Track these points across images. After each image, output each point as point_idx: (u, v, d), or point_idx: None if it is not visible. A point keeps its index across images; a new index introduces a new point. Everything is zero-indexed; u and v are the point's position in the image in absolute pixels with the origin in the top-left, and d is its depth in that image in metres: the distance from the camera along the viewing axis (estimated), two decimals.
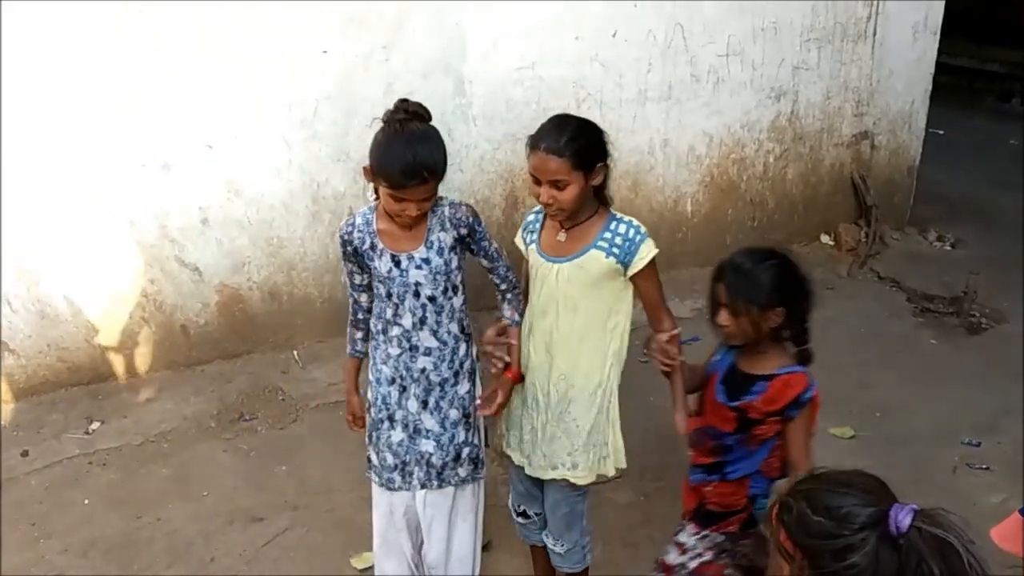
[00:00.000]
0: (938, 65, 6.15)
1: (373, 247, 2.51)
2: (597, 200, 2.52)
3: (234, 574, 3.31)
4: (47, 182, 4.05)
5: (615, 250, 2.44)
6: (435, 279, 2.50)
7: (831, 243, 6.10)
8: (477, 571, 2.91)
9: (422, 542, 2.82)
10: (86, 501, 3.69)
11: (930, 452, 3.94)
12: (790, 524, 1.50)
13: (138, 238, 4.28)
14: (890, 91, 5.99)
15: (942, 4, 5.91)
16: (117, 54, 3.98)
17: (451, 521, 2.77)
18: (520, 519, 2.90)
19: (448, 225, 2.51)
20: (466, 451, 2.69)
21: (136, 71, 4.03)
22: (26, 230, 4.08)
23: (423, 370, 2.60)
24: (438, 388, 2.62)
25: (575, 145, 2.35)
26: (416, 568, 2.84)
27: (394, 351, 2.60)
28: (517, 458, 2.73)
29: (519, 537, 3.00)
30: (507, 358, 2.61)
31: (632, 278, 2.49)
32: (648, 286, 2.52)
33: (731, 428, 2.41)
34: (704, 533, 2.56)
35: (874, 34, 5.72)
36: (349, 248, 2.55)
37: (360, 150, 2.59)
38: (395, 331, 2.57)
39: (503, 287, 2.69)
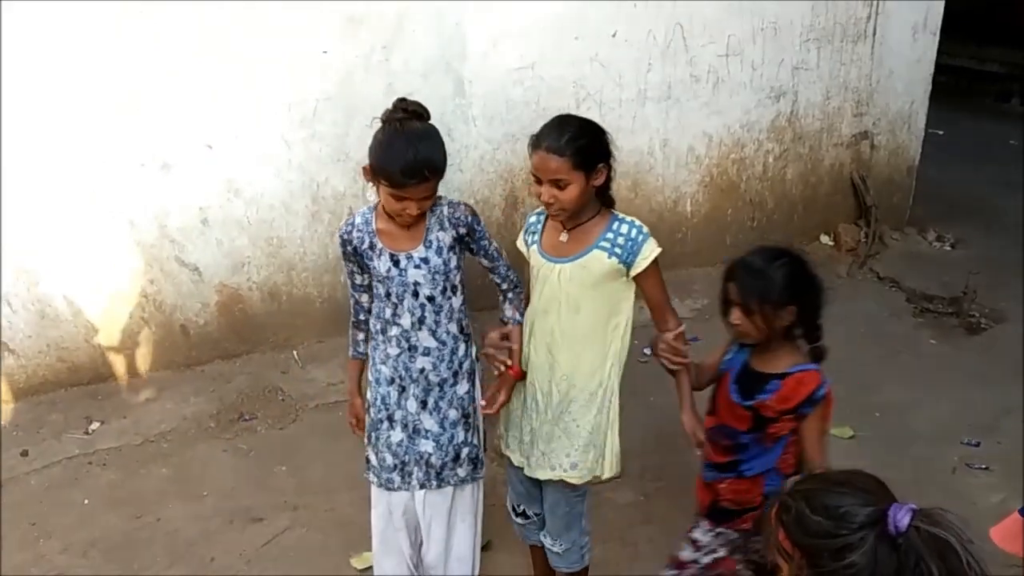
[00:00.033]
0: (938, 65, 6.14)
1: (372, 247, 2.52)
2: (601, 201, 2.52)
3: (234, 574, 3.32)
4: (47, 182, 4.05)
5: (617, 250, 2.45)
6: (434, 279, 2.51)
7: (831, 243, 6.09)
8: (476, 571, 2.91)
9: (421, 542, 2.82)
10: (86, 501, 3.69)
11: (930, 452, 3.95)
12: (789, 523, 1.51)
13: (138, 238, 4.29)
14: (890, 91, 5.99)
15: (942, 4, 5.91)
16: (117, 54, 3.98)
17: (450, 521, 2.77)
18: (519, 519, 2.90)
19: (447, 224, 2.52)
20: (465, 451, 2.69)
21: (136, 71, 4.03)
22: (26, 230, 4.08)
23: (422, 370, 2.60)
24: (437, 388, 2.62)
25: (576, 144, 2.35)
26: (415, 568, 2.84)
27: (393, 351, 2.60)
28: (516, 459, 2.73)
29: (518, 537, 3.00)
30: (509, 361, 2.61)
31: (636, 278, 2.49)
32: (652, 286, 2.52)
33: (746, 427, 2.43)
34: (719, 530, 2.57)
35: (874, 34, 5.72)
36: (349, 248, 2.56)
37: (360, 150, 2.59)
38: (394, 331, 2.57)
39: (503, 286, 2.69)
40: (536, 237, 2.60)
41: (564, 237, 2.50)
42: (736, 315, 2.35)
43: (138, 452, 4.00)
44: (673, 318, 2.55)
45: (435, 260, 2.50)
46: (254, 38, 4.17)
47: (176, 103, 4.14)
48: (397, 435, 2.65)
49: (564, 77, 4.89)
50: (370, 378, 2.70)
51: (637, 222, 2.50)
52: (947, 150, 7.48)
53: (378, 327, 2.62)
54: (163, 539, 3.48)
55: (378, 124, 2.43)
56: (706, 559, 2.59)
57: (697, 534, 2.63)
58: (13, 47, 3.81)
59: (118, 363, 4.46)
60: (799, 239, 5.95)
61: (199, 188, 4.32)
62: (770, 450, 2.44)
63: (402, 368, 2.61)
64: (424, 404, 2.63)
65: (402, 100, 2.43)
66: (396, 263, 2.50)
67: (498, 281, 2.69)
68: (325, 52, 4.32)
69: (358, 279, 2.64)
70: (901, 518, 1.38)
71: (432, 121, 2.47)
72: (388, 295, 2.54)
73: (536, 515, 2.85)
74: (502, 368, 2.60)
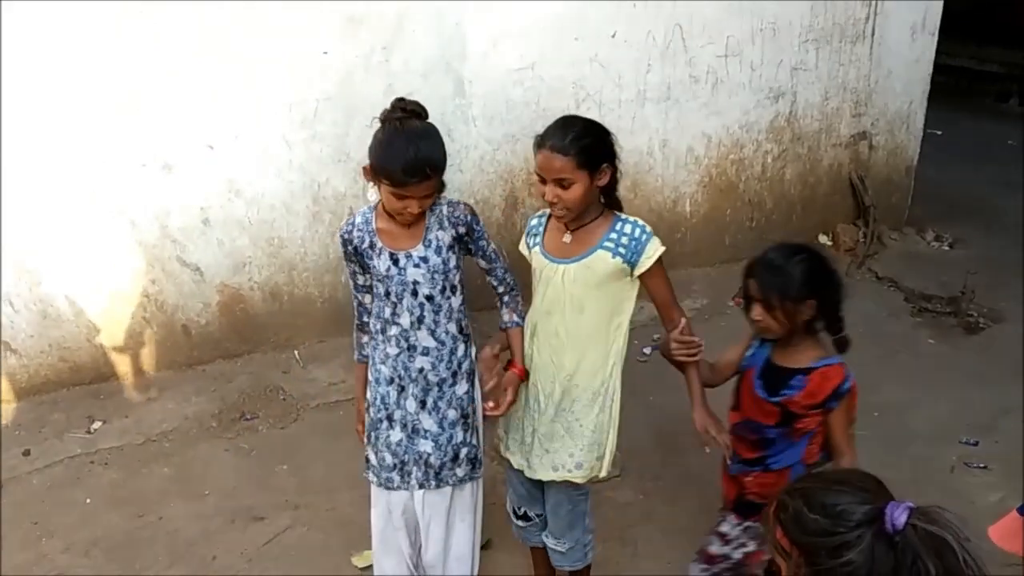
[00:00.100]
0: (937, 65, 6.15)
1: (372, 246, 2.52)
2: (608, 203, 2.53)
3: (235, 573, 3.32)
4: (48, 182, 4.06)
5: (621, 250, 2.46)
6: (433, 278, 2.51)
7: (829, 243, 6.10)
8: (475, 571, 2.91)
9: (421, 542, 2.83)
10: (88, 500, 3.70)
11: (928, 451, 3.95)
12: (787, 522, 1.52)
13: (139, 238, 4.30)
14: (888, 91, 5.99)
15: (940, 5, 5.91)
16: (117, 54, 3.99)
17: (449, 521, 2.78)
18: (520, 522, 2.90)
19: (447, 224, 2.53)
20: (464, 451, 2.69)
21: (136, 71, 4.04)
22: (27, 230, 4.09)
23: (421, 370, 2.60)
24: (436, 388, 2.63)
25: (580, 144, 2.36)
26: (415, 568, 2.84)
27: (392, 351, 2.60)
28: (516, 461, 2.73)
29: (518, 539, 3.00)
30: (499, 402, 2.61)
31: (641, 277, 2.50)
32: (658, 285, 2.53)
33: (773, 422, 2.46)
34: (747, 524, 2.59)
35: (872, 34, 5.73)
36: (350, 247, 2.56)
37: (360, 150, 2.60)
38: (393, 330, 2.58)
39: (500, 289, 2.70)
40: (538, 239, 2.60)
41: (567, 238, 2.51)
42: (757, 311, 2.39)
43: (140, 451, 4.01)
44: (680, 315, 2.56)
45: (434, 259, 2.51)
46: (254, 38, 4.18)
47: (177, 103, 4.15)
48: (396, 435, 2.66)
49: (564, 77, 4.90)
50: (370, 377, 2.70)
51: (640, 221, 2.51)
52: (946, 150, 7.49)
53: (378, 327, 2.63)
54: (165, 538, 3.49)
55: (378, 124, 2.44)
56: (737, 554, 2.62)
57: (725, 527, 2.65)
58: (13, 47, 3.82)
59: (120, 363, 4.47)
60: (798, 239, 5.95)
61: (200, 188, 4.33)
62: (797, 444, 2.48)
63: (401, 368, 2.61)
64: (423, 404, 2.63)
65: (401, 100, 2.44)
66: (395, 262, 2.51)
67: (495, 284, 2.69)
68: (325, 52, 4.33)
69: (360, 280, 2.64)
70: (898, 516, 1.39)
71: (432, 121, 2.47)
72: (388, 294, 2.55)
73: (538, 516, 2.85)
74: (487, 410, 2.60)
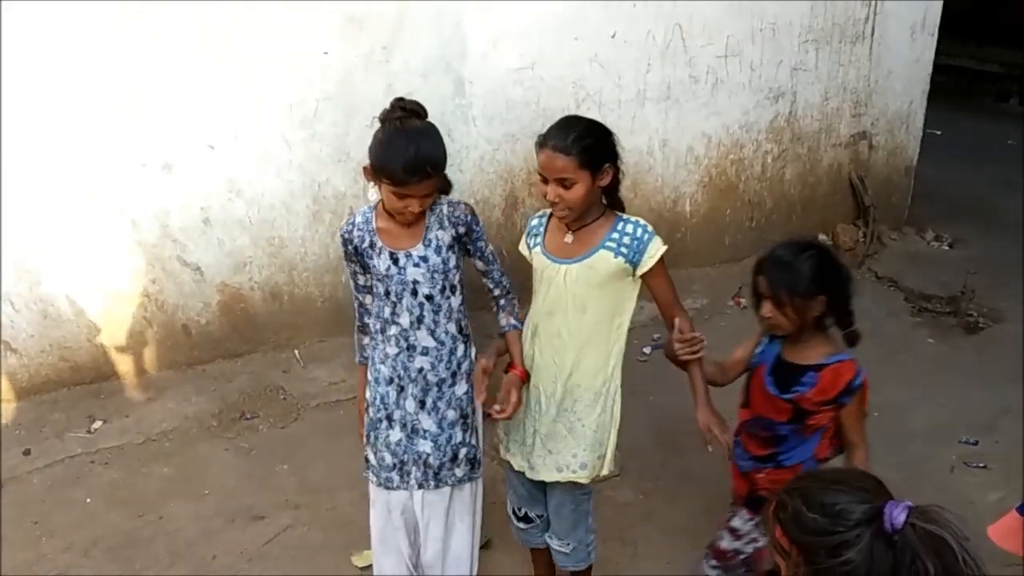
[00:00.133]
0: (936, 65, 6.16)
1: (372, 245, 2.53)
2: (610, 204, 2.54)
3: (235, 573, 3.33)
4: (48, 182, 4.05)
5: (623, 250, 2.46)
6: (433, 277, 2.52)
7: (829, 243, 6.11)
8: (474, 571, 2.92)
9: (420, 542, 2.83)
10: (88, 500, 3.70)
11: (928, 451, 3.96)
12: (786, 521, 1.52)
13: (139, 238, 4.30)
14: (888, 91, 6.00)
15: (940, 5, 5.92)
16: (117, 54, 3.98)
17: (448, 521, 2.78)
18: (520, 523, 2.89)
19: (447, 223, 2.53)
20: (463, 451, 2.70)
21: (136, 71, 4.04)
22: (28, 230, 4.09)
23: (420, 370, 2.61)
24: (435, 388, 2.63)
25: (582, 144, 2.36)
26: (414, 568, 2.84)
27: (392, 350, 2.60)
28: (517, 463, 2.72)
29: (518, 541, 2.99)
30: (498, 407, 2.60)
31: (643, 277, 2.50)
32: (660, 284, 2.53)
33: (785, 418, 2.48)
34: (758, 519, 2.60)
35: (872, 35, 5.73)
36: (350, 247, 2.56)
37: (360, 150, 2.61)
38: (393, 330, 2.58)
39: (496, 292, 2.70)
40: (539, 239, 2.60)
41: (569, 238, 2.51)
42: (767, 308, 2.42)
43: (140, 451, 4.01)
44: (683, 315, 2.56)
45: (434, 259, 2.51)
46: (254, 38, 4.18)
47: (177, 103, 4.15)
48: (396, 435, 2.66)
49: (564, 77, 4.90)
50: (369, 377, 2.70)
51: (642, 221, 2.51)
52: (946, 150, 7.49)
53: (377, 326, 2.63)
54: (165, 538, 3.49)
55: (378, 124, 2.44)
56: (748, 548, 2.64)
57: (736, 523, 2.67)
58: (13, 47, 3.82)
59: (120, 362, 4.47)
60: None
61: (200, 188, 4.33)
62: (809, 440, 2.50)
63: (400, 368, 2.61)
64: (422, 404, 2.64)
65: (400, 99, 2.44)
66: (395, 261, 2.51)
67: (491, 286, 2.69)
68: (325, 52, 4.33)
69: (361, 280, 2.64)
70: (897, 515, 1.39)
71: (432, 121, 2.47)
72: (387, 294, 2.55)
73: (539, 517, 2.85)
74: (493, 414, 2.59)
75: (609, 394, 2.59)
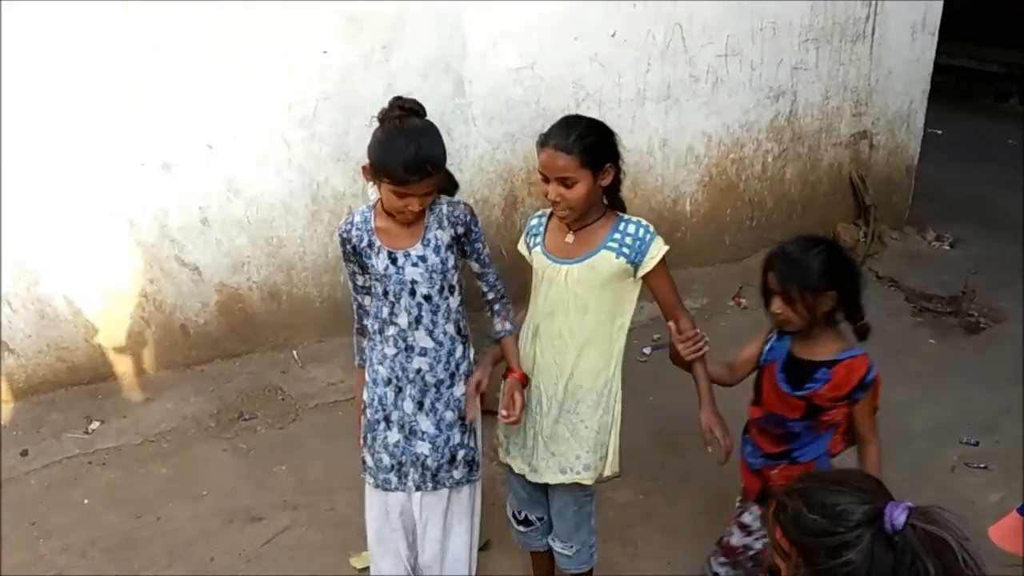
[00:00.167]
0: (937, 65, 6.15)
1: (371, 244, 2.51)
2: (611, 204, 2.52)
3: (233, 574, 3.32)
4: (47, 182, 4.05)
5: (625, 250, 2.44)
6: (431, 277, 2.50)
7: None
8: (473, 573, 2.91)
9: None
10: (86, 501, 3.69)
11: (929, 451, 3.95)
12: (786, 522, 1.51)
13: (138, 238, 4.29)
14: (889, 91, 5.99)
15: (940, 4, 5.92)
16: (117, 54, 3.98)
17: (446, 523, 2.77)
18: (521, 527, 2.87)
19: (446, 223, 2.51)
20: (461, 453, 2.68)
21: (136, 71, 4.03)
22: (26, 230, 4.08)
23: (419, 371, 2.59)
24: (434, 389, 2.62)
25: (583, 143, 2.35)
26: (412, 569, 2.83)
27: (390, 351, 2.59)
28: (518, 465, 2.70)
29: (518, 545, 2.97)
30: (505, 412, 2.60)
31: (645, 278, 2.48)
32: (662, 284, 2.51)
33: (798, 415, 2.47)
34: None
35: (872, 34, 5.73)
36: (349, 247, 2.55)
37: (360, 150, 2.60)
38: (391, 331, 2.57)
39: (490, 296, 2.68)
40: (539, 239, 2.58)
41: (570, 238, 2.50)
42: (777, 304, 2.41)
43: (138, 452, 4.00)
44: (685, 315, 2.55)
45: (433, 259, 2.50)
46: (254, 38, 4.17)
47: (176, 103, 4.14)
48: (394, 436, 2.65)
49: (564, 77, 4.90)
50: (367, 378, 2.69)
51: (644, 222, 2.49)
52: (946, 150, 7.49)
53: (376, 327, 2.61)
54: (163, 539, 3.48)
55: (378, 124, 2.43)
56: (759, 544, 2.63)
57: (747, 518, 2.66)
58: (13, 47, 3.81)
59: (118, 363, 4.46)
60: None
61: (199, 188, 4.32)
62: (822, 436, 2.50)
63: (399, 368, 2.60)
64: (420, 405, 2.62)
65: (399, 98, 2.43)
66: (394, 260, 2.49)
67: (485, 289, 2.67)
68: (325, 52, 4.32)
69: (360, 280, 2.62)
70: (897, 516, 1.38)
71: (431, 120, 2.46)
72: (386, 294, 2.53)
73: (539, 520, 2.83)
74: (500, 418, 2.58)
75: (611, 395, 2.58)
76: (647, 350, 4.67)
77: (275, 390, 4.43)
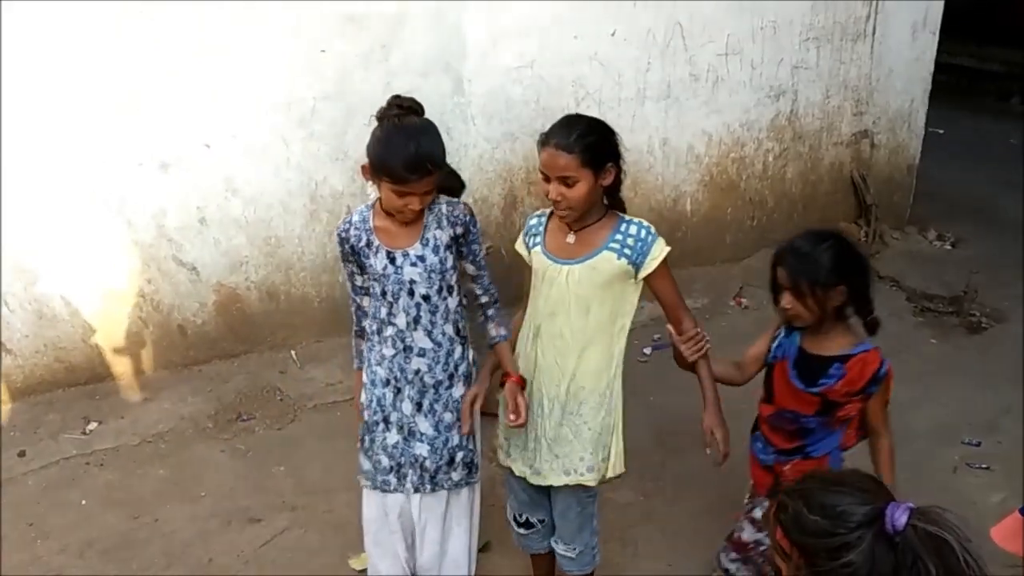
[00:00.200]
0: (938, 64, 6.14)
1: (369, 244, 2.50)
2: (609, 203, 2.51)
3: (232, 574, 3.30)
4: (45, 181, 4.04)
5: (627, 251, 2.43)
6: (430, 277, 2.49)
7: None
8: (472, 574, 2.90)
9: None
10: (83, 501, 3.68)
11: (930, 452, 3.93)
12: (787, 523, 1.51)
13: (135, 237, 4.28)
14: (890, 90, 5.98)
15: (941, 3, 5.90)
16: (116, 54, 3.97)
17: (445, 525, 2.76)
18: (522, 529, 2.85)
19: (445, 223, 2.50)
20: (460, 455, 2.66)
21: (134, 70, 4.02)
22: (24, 229, 4.07)
23: (417, 372, 2.58)
24: (432, 391, 2.60)
25: (585, 142, 2.34)
26: (411, 571, 2.82)
27: (388, 352, 2.57)
28: (518, 468, 2.68)
29: (519, 547, 2.96)
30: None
31: (647, 279, 2.47)
32: (664, 286, 2.50)
33: (812, 411, 2.48)
34: None
35: (873, 33, 5.71)
36: (347, 246, 2.53)
37: (358, 149, 2.59)
38: (389, 331, 2.55)
39: (484, 299, 2.65)
40: (539, 239, 2.56)
41: (571, 239, 2.48)
42: (787, 299, 2.41)
43: (136, 452, 3.99)
44: (688, 316, 2.53)
45: (431, 258, 2.48)
46: (253, 37, 4.16)
47: (174, 102, 4.13)
48: (393, 437, 2.63)
49: (563, 76, 4.89)
50: (365, 380, 2.67)
51: (645, 223, 2.48)
52: (947, 149, 7.47)
53: (374, 327, 2.60)
54: (161, 540, 3.47)
55: (376, 123, 2.42)
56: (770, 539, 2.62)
57: (758, 513, 2.65)
58: (13, 47, 3.80)
59: (116, 363, 4.45)
60: None
61: (197, 187, 4.31)
62: (836, 431, 2.52)
63: (397, 369, 2.58)
64: (419, 406, 2.61)
65: (397, 97, 2.41)
66: (392, 260, 2.48)
67: (478, 292, 2.64)
68: (323, 51, 4.31)
69: (358, 280, 2.60)
70: (898, 517, 1.38)
71: (430, 119, 2.45)
72: (384, 294, 2.52)
73: (540, 522, 2.81)
74: (508, 423, 2.57)
75: (613, 396, 2.57)
76: (647, 350, 4.66)
77: (273, 390, 4.41)
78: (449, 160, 2.49)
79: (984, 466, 3.86)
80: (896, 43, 5.83)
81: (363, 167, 2.42)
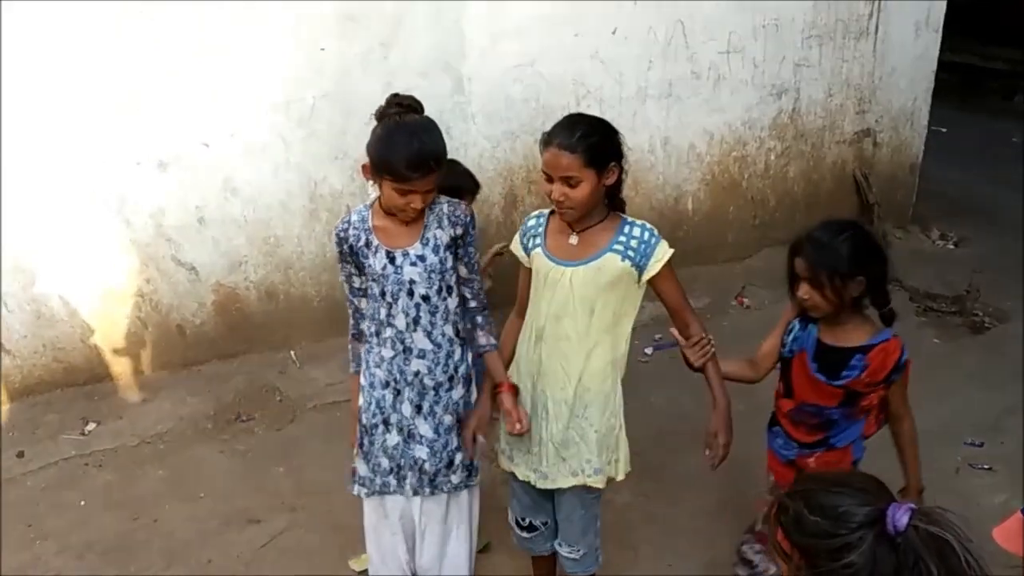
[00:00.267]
0: (941, 62, 6.12)
1: (368, 244, 2.48)
2: (610, 204, 2.49)
3: (231, 575, 3.29)
4: (44, 181, 4.03)
5: (631, 253, 2.41)
6: (430, 277, 2.47)
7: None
8: (471, 575, 2.89)
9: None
10: (82, 502, 3.68)
11: (932, 452, 3.86)
12: (787, 524, 1.50)
13: (134, 237, 4.27)
14: (892, 88, 5.96)
15: (944, 1, 5.88)
16: (115, 53, 3.96)
17: (445, 527, 2.75)
18: (524, 533, 2.82)
19: (446, 223, 2.49)
20: (459, 457, 2.65)
21: (133, 70, 4.02)
22: (22, 229, 4.06)
23: (417, 373, 2.56)
24: (432, 392, 2.58)
25: (587, 142, 2.32)
26: (411, 572, 2.81)
27: (387, 353, 2.56)
28: (522, 472, 2.65)
29: (519, 548, 2.94)
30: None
31: (651, 281, 2.45)
32: (669, 288, 2.48)
33: (835, 403, 2.49)
34: None
35: (876, 31, 5.69)
36: (345, 246, 2.51)
37: (358, 148, 2.58)
38: (388, 332, 2.53)
39: (473, 303, 2.62)
40: (539, 240, 2.53)
41: (574, 240, 2.45)
42: (804, 289, 2.41)
43: (134, 453, 3.98)
44: (694, 318, 2.51)
45: (432, 258, 2.47)
46: (253, 37, 4.16)
47: (173, 102, 4.13)
48: (393, 438, 2.61)
49: (564, 74, 4.87)
50: (363, 382, 2.64)
51: (648, 225, 2.46)
52: (950, 148, 7.46)
53: (372, 329, 2.58)
54: (160, 541, 3.46)
55: (376, 122, 2.40)
56: None
57: None
58: (13, 47, 3.80)
59: (114, 363, 4.44)
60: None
61: (196, 187, 4.30)
62: (859, 420, 2.53)
63: (397, 371, 2.56)
64: (419, 408, 2.59)
65: (395, 95, 2.41)
66: (392, 260, 2.46)
67: (469, 296, 2.61)
68: (323, 50, 4.30)
69: (356, 282, 2.57)
70: (900, 517, 1.37)
71: (431, 118, 2.44)
72: (383, 294, 2.50)
73: (543, 525, 2.79)
74: (512, 431, 2.56)
75: (616, 397, 2.56)
76: (648, 350, 4.65)
77: (273, 391, 4.40)
78: (449, 159, 2.49)
79: (986, 467, 3.84)
80: (899, 41, 5.81)
81: (363, 166, 2.41)
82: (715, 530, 3.42)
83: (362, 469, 2.67)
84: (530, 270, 2.57)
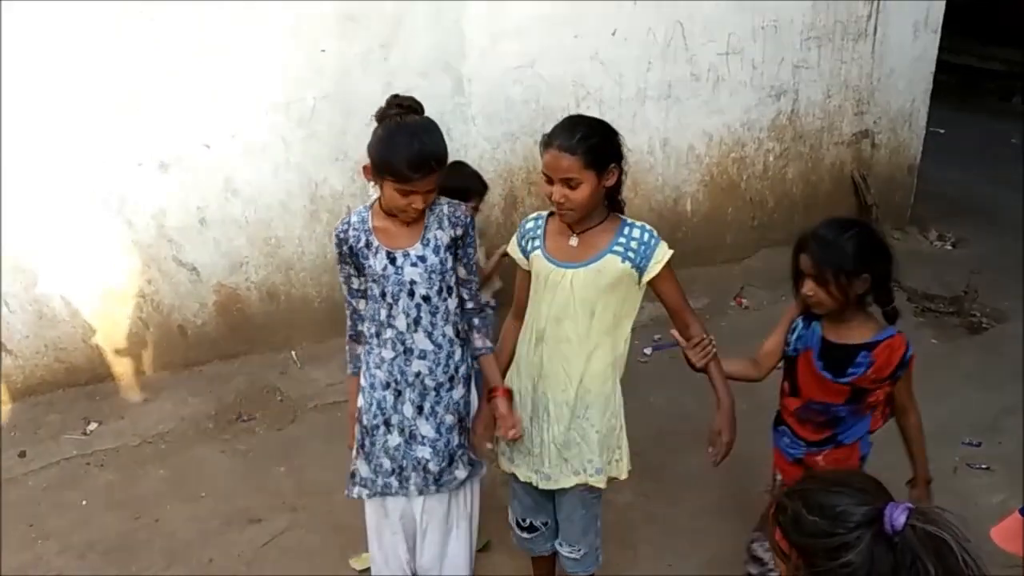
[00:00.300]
0: (939, 63, 6.13)
1: (368, 244, 2.48)
2: (609, 205, 2.49)
3: (232, 575, 3.30)
4: (45, 182, 4.04)
5: (631, 254, 2.42)
6: (430, 278, 2.48)
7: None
8: (471, 574, 2.90)
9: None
10: (84, 502, 3.68)
11: (930, 452, 3.85)
12: (785, 523, 1.50)
13: (135, 238, 4.28)
14: (891, 89, 5.97)
15: (943, 3, 5.89)
16: (117, 54, 3.97)
17: (447, 526, 2.76)
18: (525, 533, 2.83)
19: (446, 224, 2.49)
20: (459, 453, 2.66)
21: (136, 71, 4.02)
22: (24, 230, 4.07)
23: (418, 374, 2.56)
24: (433, 393, 2.59)
25: (588, 143, 2.32)
26: (411, 571, 2.82)
27: (388, 354, 2.56)
28: (523, 473, 2.66)
29: (521, 549, 2.94)
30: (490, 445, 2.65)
31: (652, 282, 2.45)
32: (669, 289, 2.48)
33: (842, 400, 2.51)
34: None
35: (875, 32, 5.70)
36: (345, 247, 2.51)
37: (358, 149, 2.58)
38: (389, 333, 2.53)
39: (470, 305, 2.63)
40: (539, 242, 2.53)
41: (574, 241, 2.46)
42: (809, 286, 2.42)
43: (136, 453, 3.99)
44: (695, 321, 2.51)
45: (432, 259, 2.47)
46: (253, 37, 4.16)
47: (174, 102, 4.13)
48: (394, 439, 2.61)
49: (563, 75, 4.88)
50: (363, 383, 2.64)
51: (648, 226, 2.47)
52: (948, 149, 7.46)
53: (372, 330, 2.57)
54: (161, 540, 3.46)
55: (376, 123, 2.41)
56: None
57: None
58: (13, 47, 3.80)
59: (116, 363, 4.44)
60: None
61: (197, 188, 4.31)
62: (865, 416, 2.55)
63: (397, 372, 2.56)
64: (420, 409, 2.59)
65: (395, 96, 2.41)
66: (392, 261, 2.46)
67: (465, 297, 2.62)
68: (323, 51, 4.31)
69: (356, 283, 2.57)
70: (897, 517, 1.37)
71: (432, 118, 2.44)
72: (383, 295, 2.50)
73: (544, 525, 2.80)
74: (508, 437, 2.58)
75: (616, 398, 2.57)
76: (647, 350, 4.65)
77: (274, 391, 4.41)
78: (449, 160, 2.49)
79: (984, 466, 3.85)
80: (897, 42, 5.82)
81: (364, 167, 2.41)
82: (715, 530, 3.43)
83: (363, 470, 2.67)
84: (528, 272, 2.57)
